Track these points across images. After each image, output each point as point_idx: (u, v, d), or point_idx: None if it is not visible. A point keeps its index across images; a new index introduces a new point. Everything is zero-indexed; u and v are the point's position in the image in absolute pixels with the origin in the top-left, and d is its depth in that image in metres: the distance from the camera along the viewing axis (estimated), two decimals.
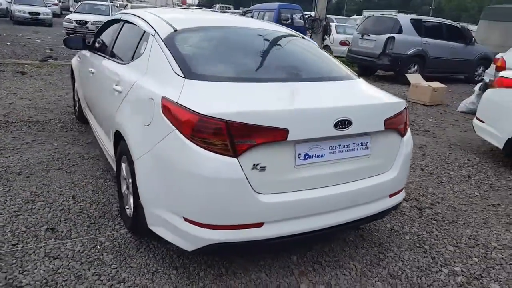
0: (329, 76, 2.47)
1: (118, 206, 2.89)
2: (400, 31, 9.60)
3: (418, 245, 2.70)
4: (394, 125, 2.23)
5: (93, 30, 14.21)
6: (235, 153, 1.80)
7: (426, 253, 2.61)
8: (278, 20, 13.86)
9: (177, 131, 1.89)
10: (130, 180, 2.48)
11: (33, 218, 2.67)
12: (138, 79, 2.41)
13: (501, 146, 4.14)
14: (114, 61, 3.03)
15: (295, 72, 2.46)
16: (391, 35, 9.52)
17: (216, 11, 29.17)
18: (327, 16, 12.41)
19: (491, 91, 4.38)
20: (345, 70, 2.67)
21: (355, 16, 20.91)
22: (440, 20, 10.54)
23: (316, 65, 2.67)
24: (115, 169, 2.89)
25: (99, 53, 3.53)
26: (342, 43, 13.35)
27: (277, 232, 1.94)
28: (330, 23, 12.65)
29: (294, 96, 2.13)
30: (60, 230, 2.57)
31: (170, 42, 2.40)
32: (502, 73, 4.41)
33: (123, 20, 3.25)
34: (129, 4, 26.90)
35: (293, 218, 1.96)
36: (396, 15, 9.93)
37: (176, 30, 2.50)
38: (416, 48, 9.60)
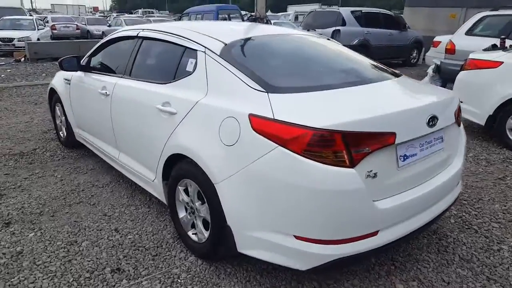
0: (384, 75, 2.51)
1: (174, 233, 2.69)
2: (343, 23, 10.02)
3: (466, 226, 2.86)
4: (458, 116, 2.34)
5: (22, 47, 12.91)
6: (352, 164, 1.76)
7: (478, 233, 2.77)
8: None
9: (282, 148, 1.80)
10: (199, 204, 2.33)
11: (89, 261, 2.39)
12: (199, 98, 2.24)
13: (483, 123, 4.53)
14: (145, 82, 2.77)
15: (357, 74, 2.46)
16: (336, 27, 9.90)
17: (141, 16, 28.02)
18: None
19: (466, 73, 4.76)
20: (385, 68, 2.73)
21: (287, 12, 21.40)
22: (376, 10, 11.19)
23: (365, 66, 2.69)
24: (163, 196, 2.68)
25: (110, 74, 3.22)
26: None
27: (389, 238, 1.94)
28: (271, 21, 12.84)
29: (381, 99, 2.15)
30: (127, 270, 2.33)
31: (228, 57, 2.27)
32: (472, 55, 4.81)
33: (141, 37, 2.98)
34: (49, 17, 24.81)
35: (401, 220, 1.98)
36: (338, 9, 10.34)
37: (226, 44, 2.37)
38: (359, 38, 10.10)
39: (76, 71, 3.64)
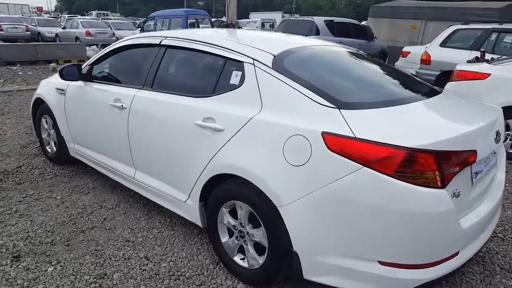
0: (433, 90, 2.47)
1: (212, 258, 2.48)
2: (317, 32, 10.15)
3: (492, 235, 2.91)
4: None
5: None
6: (443, 184, 1.69)
7: (505, 241, 2.83)
8: (187, 27, 13.42)
9: (368, 169, 1.69)
10: (250, 227, 2.16)
11: None
12: (253, 114, 2.07)
13: None
14: (175, 95, 2.53)
15: (411, 89, 2.40)
16: (311, 37, 10.00)
17: (96, 18, 26.75)
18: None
19: (454, 83, 4.94)
20: (425, 82, 2.71)
21: (250, 19, 21.34)
22: (347, 20, 11.48)
23: (412, 80, 2.64)
24: (196, 218, 2.47)
25: (124, 85, 2.93)
26: None
27: (465, 257, 1.90)
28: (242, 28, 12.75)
29: (450, 115, 2.11)
30: None
31: (282, 69, 2.12)
32: (459, 67, 5.01)
33: (164, 46, 2.74)
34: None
35: (475, 238, 1.95)
36: (311, 18, 10.45)
37: (275, 56, 2.22)
38: None
39: (77, 80, 3.29)
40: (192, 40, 2.59)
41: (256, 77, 2.16)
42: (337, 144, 1.77)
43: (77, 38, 18.54)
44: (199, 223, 2.49)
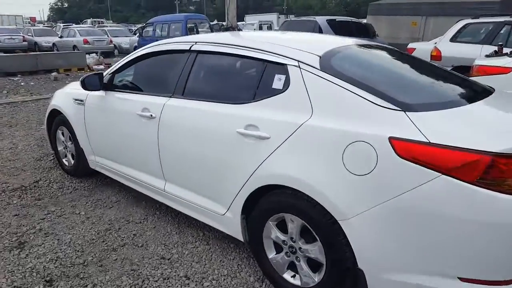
0: (486, 89, 2.31)
1: (256, 274, 2.31)
2: (320, 32, 9.99)
3: None
4: None
5: None
6: None
7: None
8: (186, 32, 13.27)
9: (446, 177, 1.53)
10: (303, 242, 2.00)
11: None
12: (304, 120, 1.91)
13: None
14: (210, 102, 2.36)
15: (465, 89, 2.24)
16: None
17: (92, 26, 26.50)
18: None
19: (474, 79, 4.80)
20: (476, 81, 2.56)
21: (245, 22, 21.13)
22: (349, 18, 11.34)
23: (463, 79, 2.48)
24: (237, 232, 2.30)
25: (151, 94, 2.76)
26: None
27: None
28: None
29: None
30: None
31: (332, 71, 1.96)
32: (479, 62, 4.88)
33: (195, 51, 2.57)
34: None
35: None
36: (314, 18, 10.31)
37: (320, 57, 2.07)
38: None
39: (98, 90, 3.12)
40: (226, 44, 2.42)
41: (303, 80, 2.00)
42: (408, 150, 1.61)
43: (74, 47, 18.33)
44: (239, 237, 2.33)
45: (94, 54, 14.44)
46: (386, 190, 1.66)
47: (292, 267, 2.12)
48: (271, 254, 2.19)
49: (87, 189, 3.56)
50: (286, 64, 2.09)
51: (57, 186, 3.60)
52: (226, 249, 2.60)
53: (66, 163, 3.87)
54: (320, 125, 1.87)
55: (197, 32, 13.82)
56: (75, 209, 3.17)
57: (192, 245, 2.65)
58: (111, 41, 19.31)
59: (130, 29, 28.00)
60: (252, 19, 19.89)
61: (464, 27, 6.96)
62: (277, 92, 2.09)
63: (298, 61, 2.06)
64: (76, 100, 3.44)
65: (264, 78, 2.18)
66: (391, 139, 1.65)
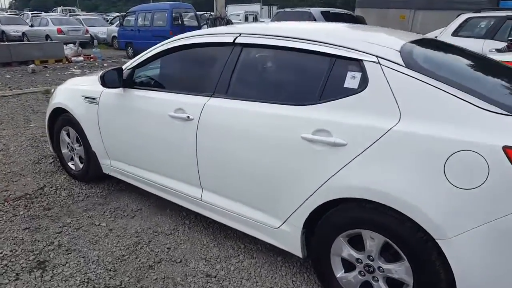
0: None
1: None
2: None
3: None
4: None
5: None
6: None
7: None
8: (172, 21, 12.79)
9: None
10: (383, 261, 1.81)
11: None
12: (391, 125, 1.70)
13: None
14: (264, 103, 2.11)
15: None
16: None
17: (63, 15, 25.20)
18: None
19: None
20: None
21: (231, 12, 20.61)
22: (342, 10, 11.20)
23: None
24: (294, 247, 2.09)
25: (186, 92, 2.48)
26: None
27: None
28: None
29: None
30: None
31: (420, 68, 1.76)
32: (493, 57, 4.82)
33: (239, 44, 2.30)
34: None
35: None
36: (309, 9, 10.10)
37: (400, 51, 1.86)
38: None
39: (118, 87, 2.79)
40: (281, 37, 2.16)
41: (386, 78, 1.79)
42: None
43: (47, 37, 17.37)
44: (297, 253, 2.12)
45: (71, 45, 13.67)
46: (498, 206, 1.48)
47: (365, 286, 1.93)
48: (339, 273, 1.99)
49: (101, 196, 3.24)
50: (361, 60, 1.87)
51: (66, 193, 3.26)
52: (274, 264, 2.38)
53: (73, 167, 3.51)
54: (413, 131, 1.66)
55: (182, 23, 13.35)
56: (93, 220, 2.85)
57: (236, 259, 2.41)
58: (87, 31, 18.43)
59: (104, 18, 26.89)
60: (236, 9, 19.45)
61: (465, 21, 6.94)
62: (352, 92, 1.87)
63: (377, 56, 1.84)
64: (87, 98, 3.09)
65: (332, 76, 1.95)
66: (505, 148, 1.47)
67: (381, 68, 1.81)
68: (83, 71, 10.67)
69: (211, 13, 11.64)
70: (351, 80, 1.89)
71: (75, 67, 11.39)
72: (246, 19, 16.55)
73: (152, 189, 2.85)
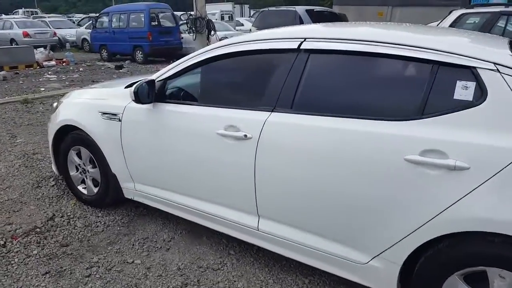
0: None
1: None
2: (301, 22, 9.55)
3: None
4: None
5: None
6: None
7: None
8: (150, 23, 12.17)
9: None
10: None
11: None
12: None
13: None
14: (345, 118, 1.78)
15: None
16: None
17: (26, 17, 23.59)
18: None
19: None
20: None
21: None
22: (323, 8, 11.00)
23: None
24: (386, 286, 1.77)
25: (240, 107, 2.09)
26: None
27: None
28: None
29: None
30: None
31: None
32: None
33: (306, 50, 1.94)
34: None
35: None
36: (294, 7, 9.80)
37: None
38: None
39: (150, 102, 2.36)
40: (363, 41, 1.82)
41: (511, 88, 1.50)
42: None
43: (12, 41, 16.19)
44: None
45: (42, 49, 12.73)
46: None
47: None
48: None
49: (123, 225, 2.79)
50: (474, 67, 1.57)
51: (82, 224, 2.78)
52: None
53: (84, 191, 3.03)
54: None
55: (159, 23, 12.72)
56: (124, 256, 2.42)
57: None
58: (55, 34, 17.32)
59: (70, 19, 25.48)
60: (212, 8, 18.82)
61: (459, 17, 6.87)
62: (466, 104, 1.56)
63: (495, 63, 1.54)
64: (106, 114, 2.63)
65: (436, 86, 1.64)
66: None
67: (503, 77, 1.52)
68: (59, 76, 9.88)
69: (191, 12, 11.05)
70: (463, 90, 1.58)
71: (50, 72, 10.54)
72: (222, 19, 16.07)
73: (189, 216, 2.45)
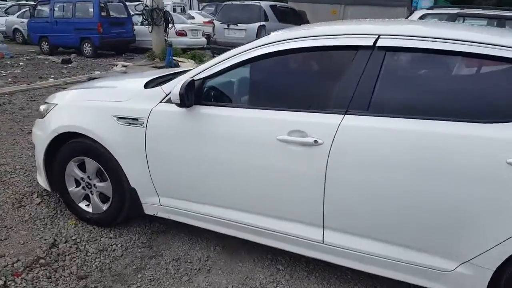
0: None
1: None
2: (266, 18, 9.37)
3: None
4: None
5: None
6: None
7: None
8: (100, 13, 11.19)
9: None
10: None
11: None
12: None
13: None
14: (428, 119, 1.64)
15: None
16: (261, 23, 9.17)
17: None
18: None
19: None
20: None
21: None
22: (284, 4, 10.87)
23: None
24: None
25: (304, 110, 1.85)
26: (180, 33, 11.98)
27: None
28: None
29: None
30: None
31: None
32: None
33: (382, 48, 1.75)
34: None
35: None
36: (259, 2, 9.54)
37: None
38: None
39: (191, 106, 2.02)
40: (445, 40, 1.67)
41: None
42: None
43: None
44: None
45: None
46: None
47: None
48: None
49: (143, 245, 2.40)
50: None
51: (95, 248, 2.34)
52: None
53: (88, 208, 2.57)
54: None
55: (108, 13, 11.72)
56: (162, 284, 2.06)
57: None
58: None
59: None
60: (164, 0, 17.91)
61: (421, 17, 7.15)
62: None
63: None
64: (124, 118, 2.23)
65: None
66: None
67: None
68: None
69: (147, 3, 10.32)
70: None
71: None
72: (174, 11, 15.32)
73: (235, 232, 2.16)
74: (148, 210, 2.39)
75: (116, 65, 9.70)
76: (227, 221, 2.14)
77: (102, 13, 11.32)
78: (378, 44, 1.77)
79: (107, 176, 2.40)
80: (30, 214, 2.71)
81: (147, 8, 10.33)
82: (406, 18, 7.48)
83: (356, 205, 1.81)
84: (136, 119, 2.19)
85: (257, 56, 1.99)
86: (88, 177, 2.48)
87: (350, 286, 2.09)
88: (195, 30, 12.81)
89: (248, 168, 1.98)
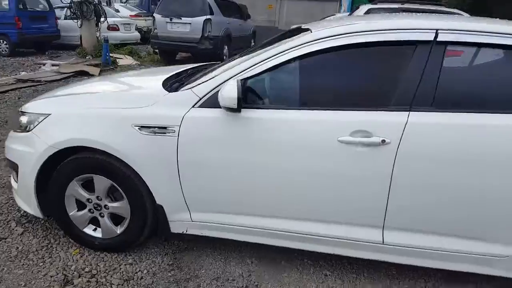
0: None
1: None
2: (211, 12, 9.05)
3: None
4: None
5: None
6: None
7: None
8: (17, 4, 9.87)
9: None
10: None
11: None
12: None
13: None
14: (494, 113, 1.68)
15: None
16: (207, 17, 8.84)
17: None
18: None
19: None
20: None
21: None
22: None
23: None
24: None
25: (363, 109, 1.77)
26: (112, 28, 11.07)
27: None
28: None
29: None
30: None
31: None
32: None
33: (442, 43, 1.73)
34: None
35: None
36: None
37: None
38: (225, 28, 9.40)
39: (239, 110, 1.81)
40: (502, 34, 1.72)
41: None
42: None
43: None
44: None
45: None
46: None
47: None
48: None
49: (171, 267, 2.14)
50: None
51: (119, 278, 2.02)
52: None
53: (96, 233, 2.21)
54: None
55: (24, 6, 10.35)
56: None
57: None
58: None
59: None
60: None
61: (368, 12, 7.51)
62: None
63: None
64: (147, 127, 1.93)
65: None
66: None
67: None
68: None
69: None
70: None
71: None
72: (100, 4, 14.06)
73: (283, 241, 2.02)
74: (175, 228, 2.12)
75: (44, 64, 8.63)
76: (275, 231, 1.99)
77: (20, 6, 9.98)
78: (439, 38, 1.76)
79: (124, 195, 2.07)
80: (17, 247, 2.25)
81: (76, 0, 9.36)
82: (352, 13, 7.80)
83: (421, 203, 1.80)
84: (165, 128, 1.92)
85: (303, 54, 1.85)
86: (97, 197, 2.13)
87: (397, 281, 2.08)
88: (128, 24, 11.98)
89: (304, 173, 1.85)
